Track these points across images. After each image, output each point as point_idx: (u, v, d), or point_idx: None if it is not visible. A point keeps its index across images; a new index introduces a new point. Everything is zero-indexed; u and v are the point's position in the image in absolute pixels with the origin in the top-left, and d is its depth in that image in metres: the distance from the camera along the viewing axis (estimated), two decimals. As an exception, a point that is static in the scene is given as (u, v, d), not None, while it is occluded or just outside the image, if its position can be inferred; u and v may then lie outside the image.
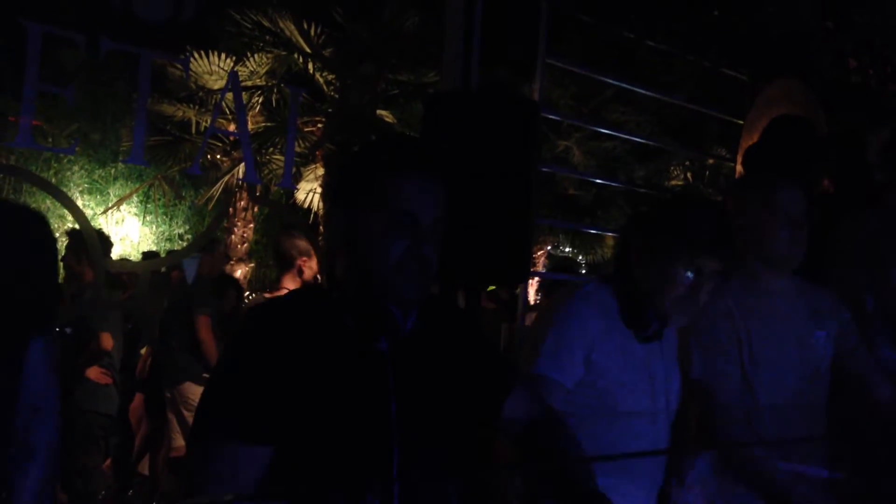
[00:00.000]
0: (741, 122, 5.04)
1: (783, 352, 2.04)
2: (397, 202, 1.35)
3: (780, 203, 2.04)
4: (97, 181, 13.17)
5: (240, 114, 3.48)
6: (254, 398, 1.29)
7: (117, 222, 13.08)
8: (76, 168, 13.04)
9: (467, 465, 1.54)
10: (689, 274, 1.80)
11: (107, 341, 4.52)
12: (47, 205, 12.38)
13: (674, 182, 12.25)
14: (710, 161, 11.39)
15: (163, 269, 6.30)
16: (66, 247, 4.41)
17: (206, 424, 1.33)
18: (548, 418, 1.56)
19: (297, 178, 10.00)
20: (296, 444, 1.31)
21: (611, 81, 5.23)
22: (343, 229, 1.38)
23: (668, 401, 1.94)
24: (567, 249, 14.21)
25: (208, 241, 5.22)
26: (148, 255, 8.41)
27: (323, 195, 10.11)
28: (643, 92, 5.55)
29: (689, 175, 12.36)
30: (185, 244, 12.71)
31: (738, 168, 4.86)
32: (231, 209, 10.87)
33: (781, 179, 2.08)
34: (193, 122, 10.44)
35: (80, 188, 12.82)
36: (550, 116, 4.81)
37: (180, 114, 10.34)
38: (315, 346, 1.35)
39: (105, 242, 4.64)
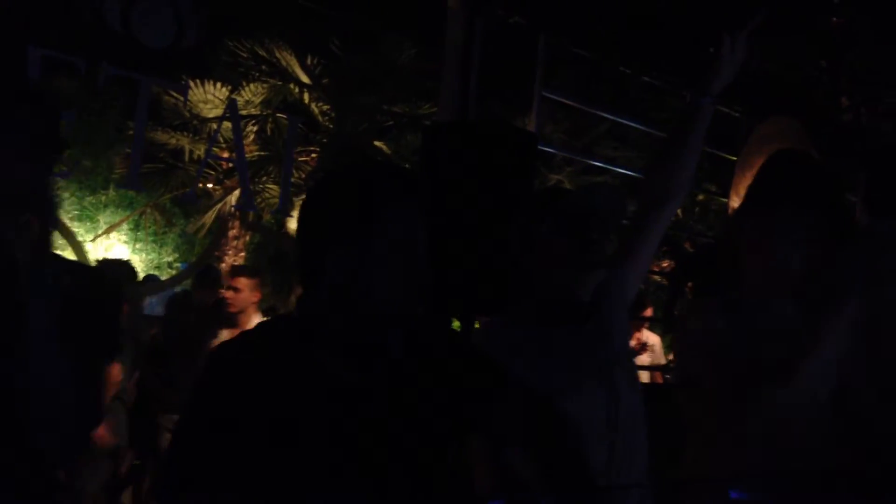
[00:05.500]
0: (733, 157, 5.09)
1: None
2: (398, 231, 1.34)
3: (782, 224, 2.04)
4: (87, 208, 13.12)
5: (238, 141, 3.48)
6: (219, 447, 1.26)
7: (106, 249, 13.01)
8: (66, 195, 12.99)
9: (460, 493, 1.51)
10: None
11: (116, 372, 4.49)
12: (36, 230, 12.32)
13: (664, 218, 12.30)
14: (701, 197, 11.47)
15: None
16: None
17: (173, 475, 1.30)
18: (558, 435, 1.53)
19: (290, 207, 10.01)
20: (272, 490, 1.27)
21: (605, 115, 5.29)
22: (342, 264, 1.34)
23: (616, 392, 1.89)
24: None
25: (204, 269, 5.21)
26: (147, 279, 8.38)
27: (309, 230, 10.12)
28: (636, 126, 5.61)
29: (679, 211, 12.42)
30: (174, 272, 12.65)
31: (731, 204, 4.90)
32: (222, 238, 10.87)
33: (783, 201, 2.09)
34: (187, 150, 10.46)
35: (70, 215, 12.76)
36: (545, 149, 4.84)
37: (174, 142, 10.37)
38: (284, 386, 1.30)
39: (130, 272, 4.65)
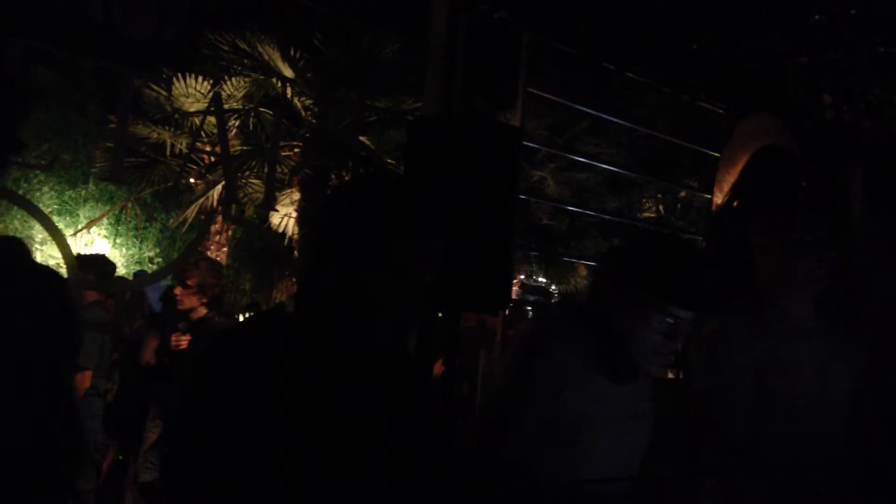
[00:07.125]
0: (716, 154, 5.12)
1: (799, 380, 2.02)
2: (406, 263, 1.36)
3: (801, 228, 2.05)
4: (67, 202, 13.01)
5: (222, 135, 3.46)
6: (220, 437, 1.29)
7: (87, 244, 12.91)
8: (46, 189, 12.88)
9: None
10: (666, 322, 1.74)
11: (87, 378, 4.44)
12: (15, 225, 12.20)
13: (646, 214, 12.39)
14: (683, 193, 11.52)
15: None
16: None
17: (177, 468, 1.34)
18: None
19: (273, 202, 9.95)
20: (258, 475, 1.30)
21: (589, 112, 5.29)
22: (341, 277, 1.37)
23: (638, 441, 1.88)
24: (541, 279, 14.26)
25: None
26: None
27: (319, 232, 10.08)
28: (620, 123, 5.62)
29: (660, 207, 12.50)
30: (155, 267, 12.57)
31: (715, 200, 4.92)
32: (205, 233, 10.79)
33: (802, 205, 2.11)
34: (168, 144, 10.37)
35: (50, 209, 12.65)
36: (529, 145, 4.84)
37: (155, 135, 10.28)
38: (276, 378, 1.33)
39: (108, 265, 4.57)
